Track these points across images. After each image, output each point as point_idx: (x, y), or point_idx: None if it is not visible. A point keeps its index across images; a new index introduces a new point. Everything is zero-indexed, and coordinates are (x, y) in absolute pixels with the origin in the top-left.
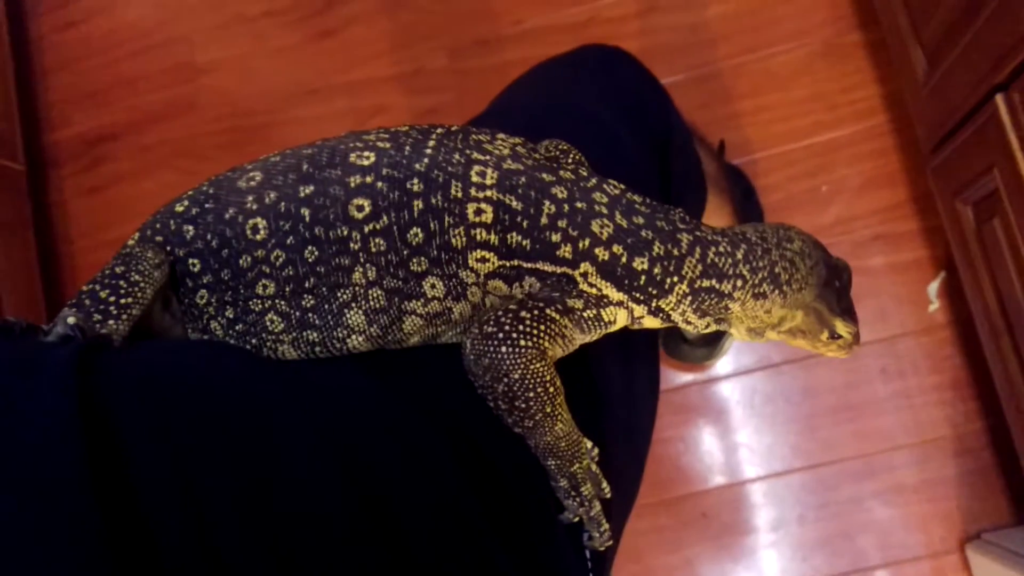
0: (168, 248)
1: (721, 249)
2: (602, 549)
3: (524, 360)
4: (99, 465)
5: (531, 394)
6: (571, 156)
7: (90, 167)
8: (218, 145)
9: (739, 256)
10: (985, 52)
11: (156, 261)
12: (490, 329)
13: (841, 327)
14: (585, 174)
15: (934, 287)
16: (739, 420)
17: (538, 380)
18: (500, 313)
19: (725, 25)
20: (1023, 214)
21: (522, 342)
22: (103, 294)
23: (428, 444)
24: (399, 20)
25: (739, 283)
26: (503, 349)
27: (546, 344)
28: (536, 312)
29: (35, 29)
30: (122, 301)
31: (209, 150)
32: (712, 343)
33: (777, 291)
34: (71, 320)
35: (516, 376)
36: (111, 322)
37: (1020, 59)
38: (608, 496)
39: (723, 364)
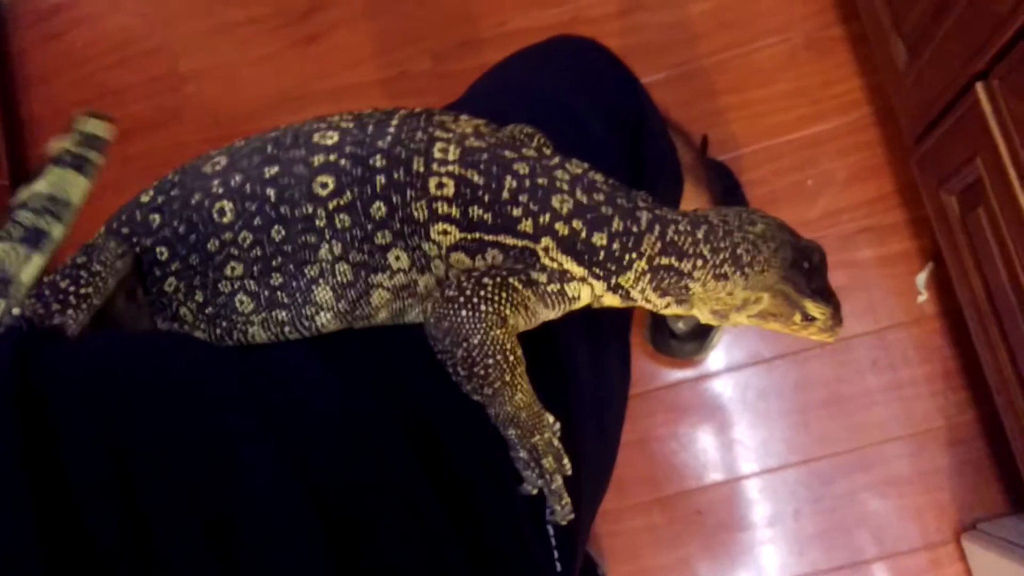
0: (134, 239)
1: (681, 228)
2: (563, 523)
3: (484, 325)
4: (33, 457)
5: (490, 360)
6: (536, 139)
7: None
8: (203, 153)
9: (699, 236)
10: (964, 41)
11: (119, 251)
12: (451, 293)
13: (812, 308)
14: (548, 153)
15: (922, 278)
16: (732, 416)
17: (497, 347)
18: (463, 279)
19: (707, 22)
20: (1007, 202)
21: (483, 307)
22: (63, 284)
23: (381, 431)
24: (381, 24)
25: (699, 263)
26: (463, 313)
27: (507, 312)
28: (499, 280)
29: (16, 42)
30: (82, 291)
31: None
32: (701, 337)
33: (739, 272)
34: (16, 311)
35: (475, 341)
36: (70, 311)
37: (998, 47)
38: (568, 472)
39: (714, 360)
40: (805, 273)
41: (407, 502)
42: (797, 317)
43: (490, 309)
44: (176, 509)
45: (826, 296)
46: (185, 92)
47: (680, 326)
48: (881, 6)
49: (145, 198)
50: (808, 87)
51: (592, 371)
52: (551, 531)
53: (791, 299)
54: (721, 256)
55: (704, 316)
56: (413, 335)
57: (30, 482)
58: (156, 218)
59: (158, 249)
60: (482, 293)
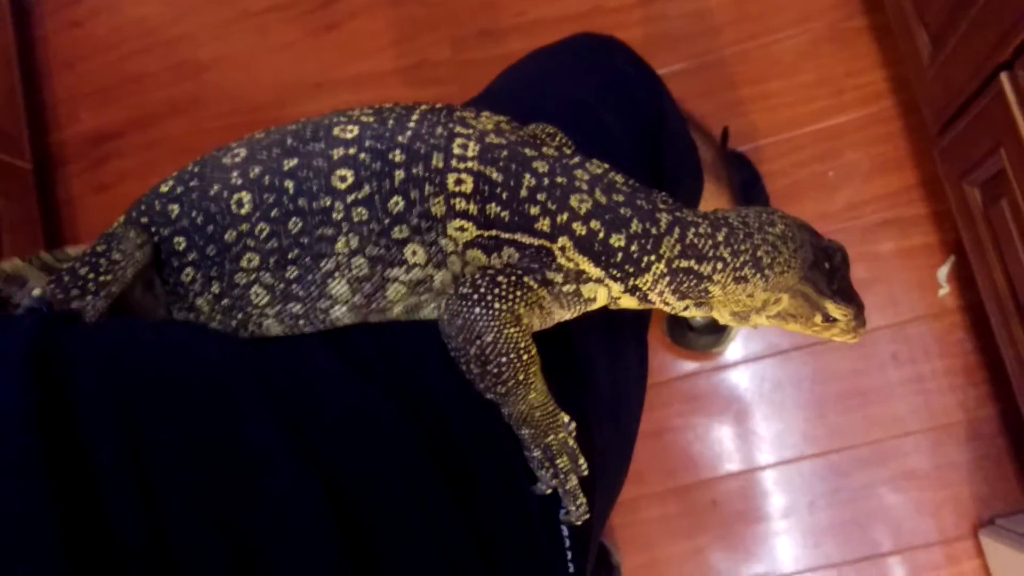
0: (153, 229)
1: (701, 231)
2: (578, 523)
3: (497, 323)
4: (53, 443)
5: (503, 359)
6: (557, 139)
7: (97, 165)
8: (223, 141)
9: (720, 239)
10: (988, 31)
11: (138, 241)
12: (465, 290)
13: (833, 309)
14: (569, 152)
15: (944, 271)
16: (749, 407)
17: (511, 345)
18: (477, 276)
19: (728, 11)
20: None
21: (496, 304)
22: (83, 271)
23: (398, 432)
24: (402, 13)
25: (719, 265)
26: (476, 310)
27: (521, 310)
28: (513, 278)
29: (40, 28)
30: (101, 278)
31: (214, 146)
32: (719, 330)
33: (759, 275)
34: (36, 293)
35: (488, 339)
36: (89, 298)
37: (1023, 37)
38: (584, 473)
39: (732, 351)
40: (826, 273)
41: (422, 504)
42: (818, 318)
43: (504, 307)
44: (193, 506)
45: (848, 296)
46: (205, 79)
47: (698, 319)
48: None
49: (164, 188)
50: (830, 78)
51: (609, 373)
52: (564, 531)
53: (811, 300)
54: (741, 259)
55: (724, 318)
56: (426, 332)
57: (49, 463)
58: (175, 208)
59: (176, 239)
60: (496, 291)
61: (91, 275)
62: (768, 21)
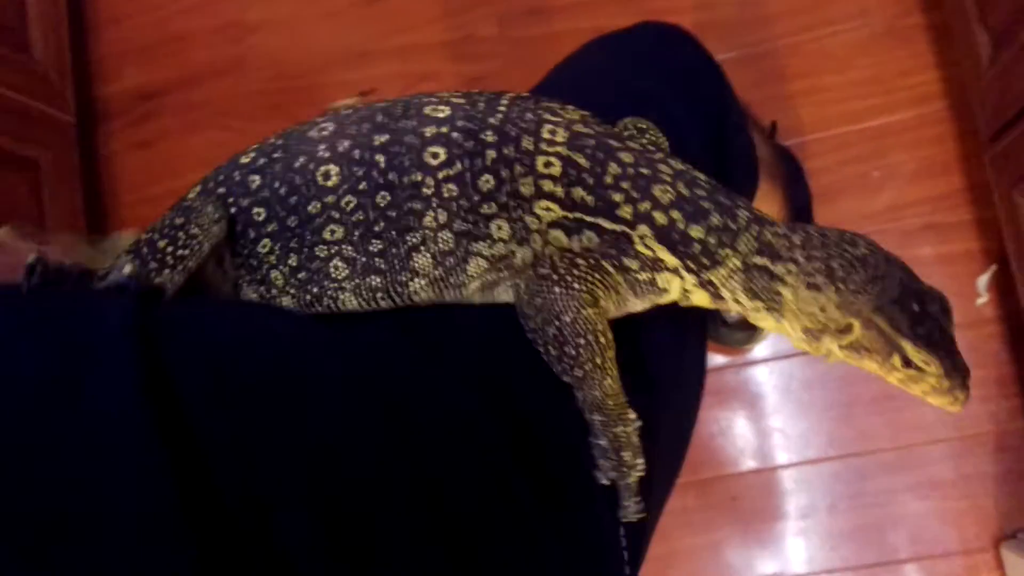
0: (231, 199)
1: (779, 231)
2: (635, 519)
3: (576, 303)
4: (167, 433)
5: (581, 340)
6: (648, 133)
7: (139, 122)
8: (266, 105)
9: (796, 241)
10: None
11: (215, 216)
12: (544, 271)
13: (912, 351)
14: (653, 148)
15: (984, 280)
16: (774, 405)
17: (589, 327)
18: (556, 258)
19: (783, 2)
20: None
21: (576, 285)
22: (161, 244)
23: (470, 411)
24: None
25: (792, 267)
26: (556, 290)
27: (599, 292)
28: (592, 261)
29: None
30: (179, 252)
31: (256, 110)
32: (751, 327)
33: (831, 285)
34: (127, 270)
35: (567, 319)
36: (167, 271)
37: None
38: (643, 472)
39: (761, 348)
40: (911, 314)
41: (507, 503)
42: (896, 360)
43: (583, 288)
44: (298, 497)
45: (937, 348)
46: (250, 42)
47: (732, 313)
48: None
49: (245, 159)
50: (882, 76)
51: (674, 375)
52: (622, 531)
53: (886, 335)
54: (814, 265)
55: (796, 334)
56: (503, 325)
57: (164, 439)
58: (256, 179)
59: (255, 210)
60: (575, 272)
61: (170, 248)
62: (823, 14)
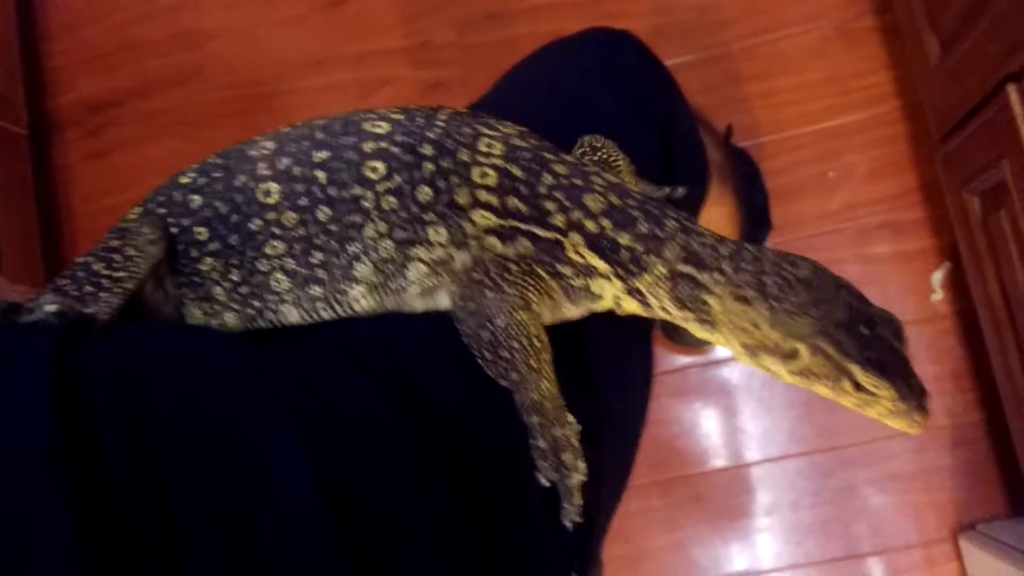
0: (171, 220)
1: (707, 241)
2: (576, 521)
3: (508, 307)
4: (74, 458)
5: (515, 343)
6: (601, 152)
7: (94, 132)
8: (224, 113)
9: (723, 252)
10: (999, 41)
11: (152, 236)
12: (477, 276)
13: (863, 377)
14: (588, 163)
15: (938, 277)
16: (737, 403)
17: (522, 331)
18: (489, 263)
19: (738, 5)
20: None
21: (508, 289)
22: (97, 267)
23: (402, 436)
24: None
25: (718, 276)
26: (489, 294)
27: (532, 297)
28: (525, 266)
29: None
30: (116, 275)
31: (215, 118)
32: None
33: (763, 302)
34: (51, 308)
35: (500, 323)
36: (103, 294)
37: None
38: (584, 476)
39: (722, 348)
40: (859, 338)
41: (431, 515)
42: (847, 385)
43: (515, 292)
44: (203, 516)
45: (888, 371)
46: (207, 50)
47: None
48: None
49: (185, 180)
50: (837, 77)
51: (618, 384)
52: (568, 538)
53: (833, 359)
54: (743, 277)
55: (735, 349)
56: (432, 336)
57: (73, 478)
58: (196, 199)
59: (197, 229)
60: (508, 277)
61: (107, 271)
62: (777, 17)
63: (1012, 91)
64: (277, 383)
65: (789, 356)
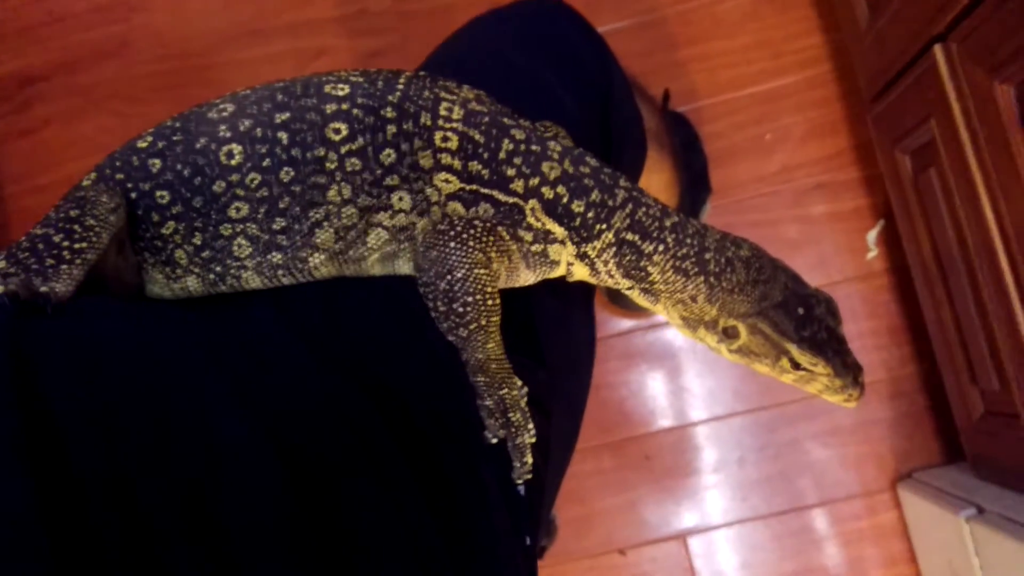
0: (130, 185)
1: (652, 212)
2: (527, 478)
3: (469, 261)
4: (32, 442)
5: (469, 298)
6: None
7: (20, 109)
8: (156, 87)
9: (667, 224)
10: (925, 3)
11: (112, 205)
12: (443, 227)
13: (799, 355)
14: (542, 129)
15: (873, 235)
16: (682, 365)
17: (479, 287)
18: (455, 218)
19: None
20: (957, 164)
21: (470, 243)
22: (56, 238)
23: (353, 404)
24: None
25: (660, 247)
26: (451, 244)
27: (493, 255)
28: (488, 225)
29: None
30: (76, 246)
31: (145, 92)
32: None
33: (702, 277)
34: (2, 289)
35: (459, 275)
36: (64, 267)
37: (958, 10)
38: (533, 439)
39: None
40: (796, 318)
41: (387, 489)
42: (785, 363)
43: (477, 247)
44: (166, 499)
45: (820, 347)
46: (134, 22)
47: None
48: None
49: (143, 143)
50: (770, 40)
51: (566, 355)
52: (518, 503)
53: (771, 339)
54: (683, 250)
55: (675, 321)
56: (380, 307)
57: (31, 466)
58: (156, 162)
59: (159, 193)
60: (472, 232)
61: (66, 243)
62: None
63: (938, 52)
64: (228, 359)
65: (728, 334)
